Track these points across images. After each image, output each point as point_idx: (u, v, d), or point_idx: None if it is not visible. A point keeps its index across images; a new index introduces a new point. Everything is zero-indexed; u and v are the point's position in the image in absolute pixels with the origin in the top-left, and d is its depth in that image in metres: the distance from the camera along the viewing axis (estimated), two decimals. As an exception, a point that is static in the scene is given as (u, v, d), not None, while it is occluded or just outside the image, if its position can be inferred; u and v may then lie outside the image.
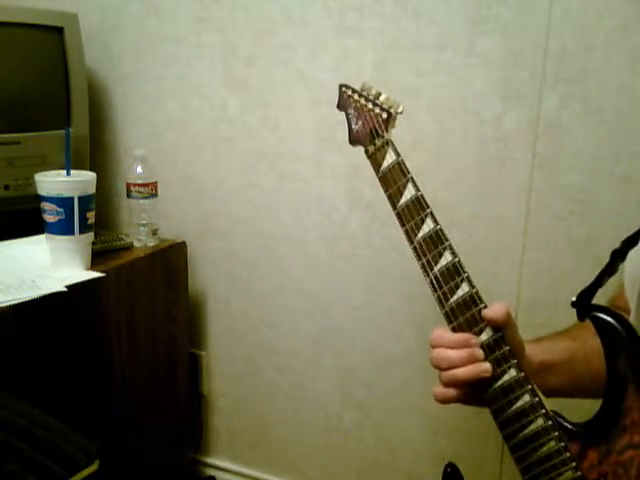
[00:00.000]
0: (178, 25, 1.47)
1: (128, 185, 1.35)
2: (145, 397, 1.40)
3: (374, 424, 1.47)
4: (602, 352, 0.69)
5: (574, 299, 0.69)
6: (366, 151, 0.84)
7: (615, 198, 1.17)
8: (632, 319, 0.75)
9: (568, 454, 0.67)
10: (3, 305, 1.00)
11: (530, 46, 1.18)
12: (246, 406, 1.61)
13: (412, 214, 0.77)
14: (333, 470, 1.54)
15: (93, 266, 1.20)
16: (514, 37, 1.19)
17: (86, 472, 0.70)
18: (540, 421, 0.68)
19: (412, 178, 0.78)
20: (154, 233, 1.38)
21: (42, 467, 0.67)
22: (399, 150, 0.81)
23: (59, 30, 1.35)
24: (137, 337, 1.34)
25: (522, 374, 0.69)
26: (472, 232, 1.27)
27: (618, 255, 0.70)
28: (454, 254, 0.73)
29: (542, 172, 1.21)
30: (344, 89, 0.91)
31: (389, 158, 0.80)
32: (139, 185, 1.34)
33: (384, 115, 0.83)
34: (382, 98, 0.84)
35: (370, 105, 0.85)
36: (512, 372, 0.69)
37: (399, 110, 0.83)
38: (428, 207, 0.76)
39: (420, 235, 0.76)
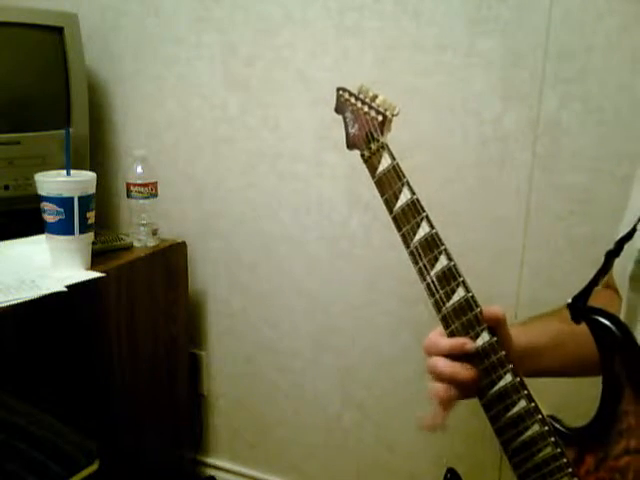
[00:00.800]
0: (178, 25, 1.47)
1: (128, 185, 1.35)
2: (145, 397, 1.40)
3: (374, 424, 1.47)
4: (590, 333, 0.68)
5: (569, 301, 0.69)
6: (362, 155, 0.83)
7: (615, 198, 1.17)
8: (623, 305, 0.76)
9: (565, 460, 0.67)
10: (3, 305, 1.00)
11: (530, 46, 1.18)
12: (246, 406, 1.61)
13: (408, 218, 0.76)
14: (333, 470, 1.54)
15: (93, 266, 1.20)
16: (514, 37, 1.19)
17: (86, 472, 0.70)
18: (536, 427, 0.67)
19: (407, 182, 0.77)
20: (154, 233, 1.38)
21: (42, 467, 0.67)
22: (398, 151, 0.81)
23: (59, 30, 1.35)
24: (137, 337, 1.34)
25: (518, 379, 0.68)
26: (472, 232, 1.27)
27: (612, 256, 0.69)
28: (450, 258, 0.73)
29: (542, 172, 1.22)
30: (341, 92, 0.90)
31: (384, 162, 0.80)
32: (139, 185, 1.34)
33: (379, 118, 0.82)
34: (378, 101, 0.84)
35: (366, 108, 0.84)
36: (508, 377, 0.69)
37: (395, 112, 0.82)
38: (424, 211, 0.75)
39: (416, 239, 0.75)
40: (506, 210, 1.26)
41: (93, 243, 1.20)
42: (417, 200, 0.76)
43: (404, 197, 0.77)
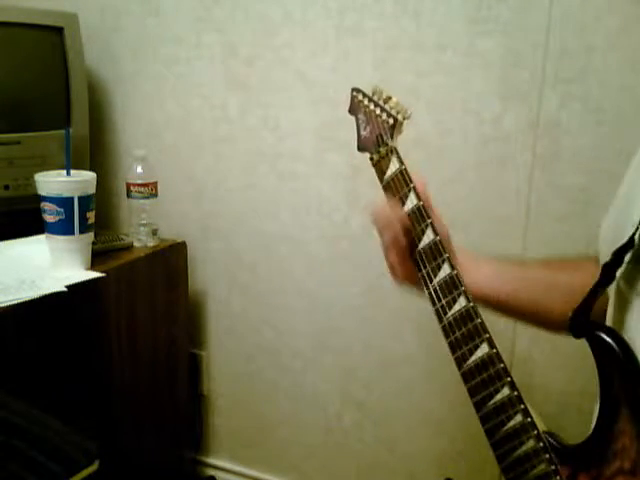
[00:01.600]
0: (178, 25, 1.47)
1: (128, 185, 1.35)
2: (145, 397, 1.40)
3: (374, 424, 1.47)
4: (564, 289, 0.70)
5: (570, 315, 0.68)
6: (371, 159, 0.82)
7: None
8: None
9: (558, 478, 0.65)
10: (3, 305, 1.00)
11: (530, 46, 1.18)
12: (246, 406, 1.61)
13: (413, 225, 0.75)
14: (333, 470, 1.54)
15: (93, 266, 1.20)
16: (514, 37, 1.19)
17: (86, 472, 0.70)
18: (531, 442, 0.66)
19: (414, 187, 0.76)
20: (154, 233, 1.38)
21: (42, 467, 0.67)
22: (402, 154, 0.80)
23: (59, 30, 1.35)
24: (137, 337, 1.34)
25: (515, 393, 0.67)
26: (472, 232, 1.27)
27: (610, 268, 0.67)
28: (452, 267, 0.72)
29: (542, 172, 1.21)
30: (355, 93, 0.88)
31: (392, 167, 0.78)
32: (139, 185, 1.34)
33: (390, 121, 0.81)
34: (391, 103, 0.82)
35: (378, 111, 0.83)
36: (505, 391, 0.68)
37: (406, 116, 0.80)
38: (429, 217, 0.74)
39: (420, 247, 0.75)
40: (506, 210, 1.26)
41: (93, 243, 1.20)
42: (423, 207, 0.75)
43: (410, 203, 0.76)
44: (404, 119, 0.81)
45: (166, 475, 1.52)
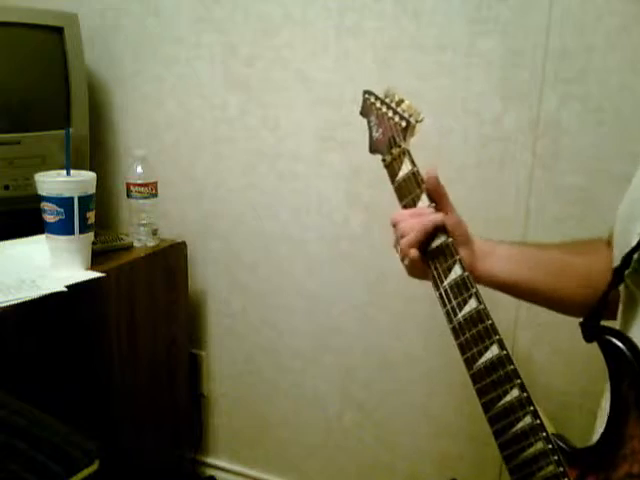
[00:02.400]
0: (178, 25, 1.47)
1: (128, 185, 1.35)
2: (145, 397, 1.40)
3: (374, 424, 1.47)
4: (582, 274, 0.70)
5: (582, 320, 0.68)
6: (383, 160, 0.83)
7: (615, 198, 1.16)
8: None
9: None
10: (3, 305, 1.00)
11: (530, 46, 1.18)
12: (246, 406, 1.61)
13: None
14: (333, 470, 1.54)
15: (93, 266, 1.20)
16: (514, 37, 1.19)
17: (86, 472, 0.70)
18: (540, 444, 0.66)
19: (426, 189, 0.77)
20: (154, 233, 1.38)
21: (42, 467, 0.67)
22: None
23: (59, 30, 1.35)
24: (137, 337, 1.34)
25: (525, 395, 0.68)
26: (472, 232, 1.27)
27: (620, 272, 0.68)
28: (463, 268, 0.73)
29: (542, 172, 1.21)
30: (367, 95, 0.88)
31: (405, 168, 0.79)
32: (139, 185, 1.34)
33: (403, 124, 0.81)
34: (404, 105, 0.82)
35: (390, 113, 0.83)
36: (515, 392, 0.68)
37: (419, 118, 0.81)
38: None
39: (431, 247, 0.75)
40: (506, 210, 1.26)
41: (93, 243, 1.20)
42: (435, 208, 0.76)
43: (422, 205, 0.77)
44: (417, 122, 0.81)
45: (166, 475, 1.52)
